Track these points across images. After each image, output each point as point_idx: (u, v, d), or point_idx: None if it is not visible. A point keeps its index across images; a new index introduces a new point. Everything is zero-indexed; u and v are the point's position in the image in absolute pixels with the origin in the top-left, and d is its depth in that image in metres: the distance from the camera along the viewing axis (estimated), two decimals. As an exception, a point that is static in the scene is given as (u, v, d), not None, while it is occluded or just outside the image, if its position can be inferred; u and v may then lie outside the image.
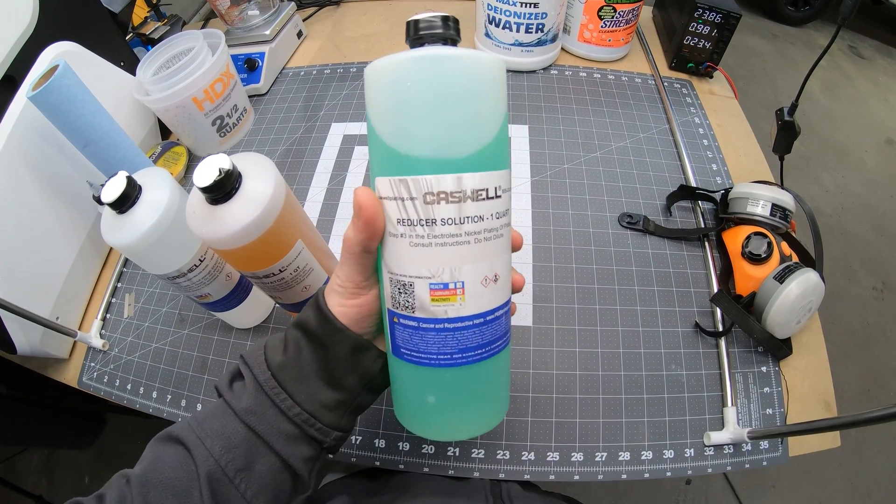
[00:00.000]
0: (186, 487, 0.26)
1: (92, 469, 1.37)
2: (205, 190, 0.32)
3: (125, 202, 0.37)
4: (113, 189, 0.37)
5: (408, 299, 0.26)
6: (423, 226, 0.24)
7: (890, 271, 1.69)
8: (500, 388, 0.31)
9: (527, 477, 0.46)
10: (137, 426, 1.36)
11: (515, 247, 0.30)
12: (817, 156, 2.02)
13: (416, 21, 0.25)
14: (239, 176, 0.33)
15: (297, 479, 0.30)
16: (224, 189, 0.32)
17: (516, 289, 0.31)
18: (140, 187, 0.39)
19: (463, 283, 0.25)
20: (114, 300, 0.61)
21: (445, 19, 0.25)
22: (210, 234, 0.33)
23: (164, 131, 0.76)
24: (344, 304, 0.29)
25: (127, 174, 0.38)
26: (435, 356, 0.26)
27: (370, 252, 0.27)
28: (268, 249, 0.36)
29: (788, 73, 2.39)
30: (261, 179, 0.34)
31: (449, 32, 0.25)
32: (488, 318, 0.27)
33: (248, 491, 0.27)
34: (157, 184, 0.40)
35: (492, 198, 0.25)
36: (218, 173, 0.31)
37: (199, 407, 0.52)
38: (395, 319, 0.27)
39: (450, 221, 0.24)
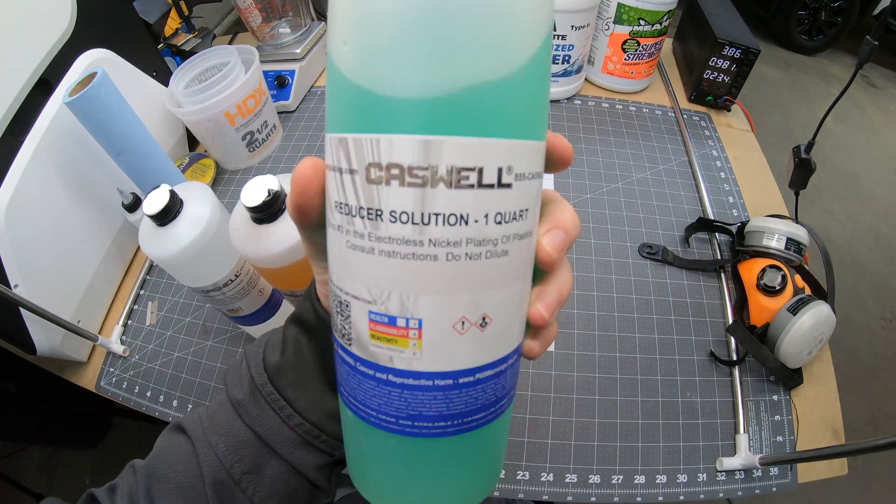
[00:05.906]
0: (192, 484, 0.24)
1: (93, 470, 1.37)
2: (253, 210, 0.33)
3: (167, 215, 0.38)
4: (156, 202, 0.38)
5: (344, 324, 0.18)
6: (363, 218, 0.15)
7: (900, 301, 1.68)
8: (481, 463, 0.20)
9: (545, 497, 0.46)
10: (144, 431, 1.36)
11: (566, 232, 0.19)
12: (828, 185, 2.02)
13: None
14: (286, 197, 0.34)
15: (313, 486, 0.27)
16: (271, 209, 0.33)
17: (545, 338, 0.20)
18: (182, 201, 0.40)
19: (420, 321, 0.16)
20: (136, 307, 0.62)
21: None
22: (254, 253, 0.34)
23: (192, 142, 0.77)
24: (323, 291, 0.25)
25: (170, 188, 0.39)
26: (375, 415, 0.18)
27: (305, 227, 0.20)
28: (309, 270, 0.36)
29: (801, 103, 2.38)
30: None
31: None
32: (462, 381, 0.17)
33: (257, 495, 0.24)
34: (199, 198, 0.41)
35: (488, 185, 0.15)
36: (267, 194, 0.32)
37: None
38: (335, 346, 0.19)
39: (404, 217, 0.15)
